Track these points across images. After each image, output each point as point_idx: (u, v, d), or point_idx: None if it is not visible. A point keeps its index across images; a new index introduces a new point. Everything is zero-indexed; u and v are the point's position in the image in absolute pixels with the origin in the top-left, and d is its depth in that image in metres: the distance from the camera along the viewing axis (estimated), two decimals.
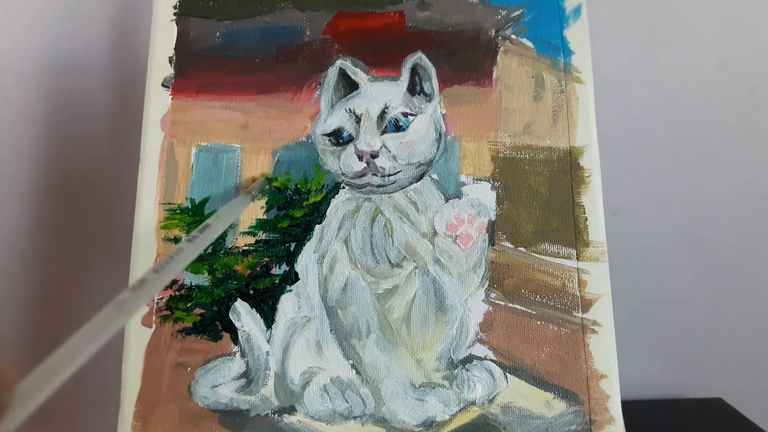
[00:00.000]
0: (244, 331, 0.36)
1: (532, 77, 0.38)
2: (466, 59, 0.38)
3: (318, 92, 0.38)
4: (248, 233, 0.37)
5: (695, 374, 0.63)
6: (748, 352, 0.62)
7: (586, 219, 0.36)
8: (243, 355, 0.36)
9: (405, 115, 0.37)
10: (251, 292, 0.36)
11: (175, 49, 0.39)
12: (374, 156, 0.37)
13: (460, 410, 0.35)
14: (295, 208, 0.37)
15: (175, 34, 0.39)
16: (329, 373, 0.35)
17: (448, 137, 0.38)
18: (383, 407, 0.35)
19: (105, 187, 0.58)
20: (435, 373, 0.35)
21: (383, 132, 0.37)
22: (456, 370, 0.35)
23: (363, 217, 0.37)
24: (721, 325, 0.62)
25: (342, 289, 0.36)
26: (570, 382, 0.35)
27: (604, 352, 0.35)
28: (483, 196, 0.37)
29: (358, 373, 0.35)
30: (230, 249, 0.37)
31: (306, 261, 0.37)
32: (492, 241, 0.36)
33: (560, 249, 0.36)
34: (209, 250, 0.37)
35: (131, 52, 0.59)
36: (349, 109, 0.38)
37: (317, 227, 0.37)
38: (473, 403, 0.35)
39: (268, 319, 0.36)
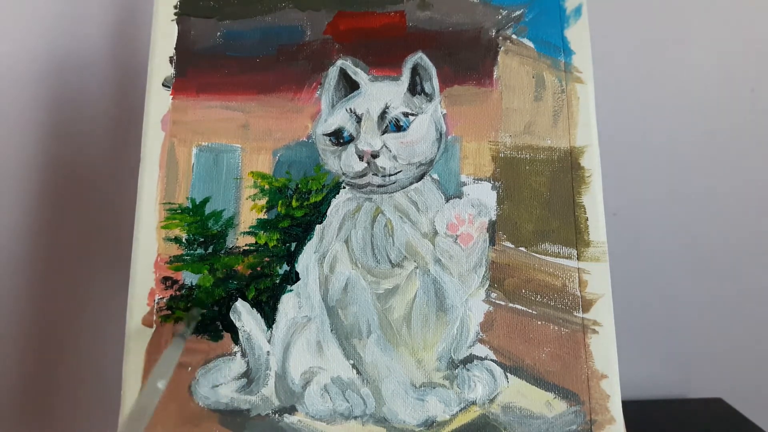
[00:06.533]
0: (244, 330, 0.36)
1: (533, 77, 0.38)
2: (466, 59, 0.38)
3: (318, 92, 0.38)
4: (249, 233, 0.37)
5: (695, 374, 0.63)
6: (748, 352, 0.62)
7: (587, 219, 0.36)
8: (243, 354, 0.36)
9: (405, 115, 0.37)
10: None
11: (175, 48, 0.39)
12: (375, 156, 0.37)
13: (460, 410, 0.35)
14: (296, 207, 0.37)
15: (176, 34, 0.39)
16: (330, 373, 0.35)
17: (449, 137, 0.38)
18: (384, 407, 0.35)
19: (105, 186, 0.58)
20: (435, 373, 0.35)
21: (384, 132, 0.37)
22: (456, 370, 0.35)
23: (363, 217, 0.37)
24: (721, 325, 0.62)
25: (342, 289, 0.36)
26: (570, 382, 0.35)
27: (604, 352, 0.35)
28: (483, 195, 0.37)
29: (358, 372, 0.35)
30: (231, 249, 0.37)
31: (306, 261, 0.37)
32: (492, 241, 0.36)
33: (561, 249, 0.36)
34: (210, 250, 0.37)
35: (131, 52, 0.59)
36: (350, 109, 0.38)
37: (318, 227, 0.37)
38: (474, 403, 0.35)
39: (269, 319, 0.36)
